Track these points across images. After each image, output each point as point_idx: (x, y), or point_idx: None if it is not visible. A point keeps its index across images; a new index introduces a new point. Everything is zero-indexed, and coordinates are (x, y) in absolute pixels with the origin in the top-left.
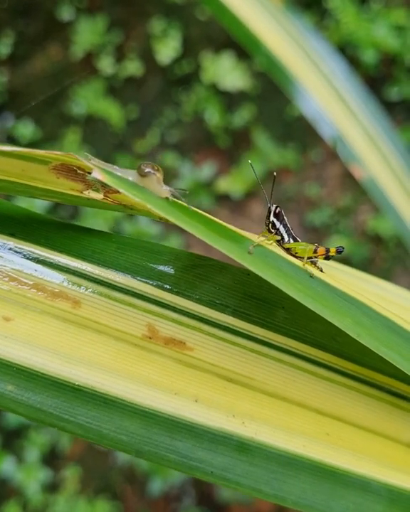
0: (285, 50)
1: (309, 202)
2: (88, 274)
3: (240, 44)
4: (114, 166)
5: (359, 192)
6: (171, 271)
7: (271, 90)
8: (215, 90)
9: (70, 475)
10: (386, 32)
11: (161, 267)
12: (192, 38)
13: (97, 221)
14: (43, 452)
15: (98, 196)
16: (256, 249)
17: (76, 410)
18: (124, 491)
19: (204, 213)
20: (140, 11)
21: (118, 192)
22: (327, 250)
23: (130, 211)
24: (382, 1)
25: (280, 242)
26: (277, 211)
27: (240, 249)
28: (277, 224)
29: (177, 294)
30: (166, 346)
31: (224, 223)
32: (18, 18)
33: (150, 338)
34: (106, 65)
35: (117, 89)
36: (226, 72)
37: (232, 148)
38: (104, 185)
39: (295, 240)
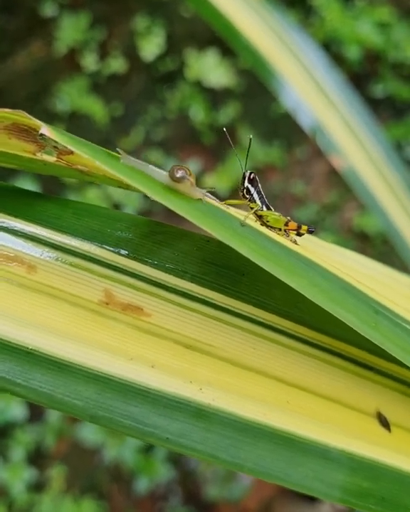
0: (266, 42)
1: (295, 199)
2: (44, 238)
3: (222, 37)
4: (148, 164)
5: (345, 189)
6: (130, 237)
7: (256, 88)
8: (200, 87)
9: (56, 474)
10: (370, 29)
11: (119, 233)
12: (176, 35)
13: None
14: (28, 451)
15: (51, 159)
16: (208, 209)
17: (29, 375)
18: (110, 490)
19: None
20: (123, 8)
21: (72, 153)
22: (299, 226)
23: (88, 178)
24: None
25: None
26: (251, 177)
27: (190, 207)
28: (252, 190)
29: (135, 259)
30: (123, 312)
31: None
32: (0, 14)
33: (107, 303)
34: (89, 62)
35: (101, 86)
36: (211, 69)
37: (217, 145)
38: (56, 146)
39: (269, 209)
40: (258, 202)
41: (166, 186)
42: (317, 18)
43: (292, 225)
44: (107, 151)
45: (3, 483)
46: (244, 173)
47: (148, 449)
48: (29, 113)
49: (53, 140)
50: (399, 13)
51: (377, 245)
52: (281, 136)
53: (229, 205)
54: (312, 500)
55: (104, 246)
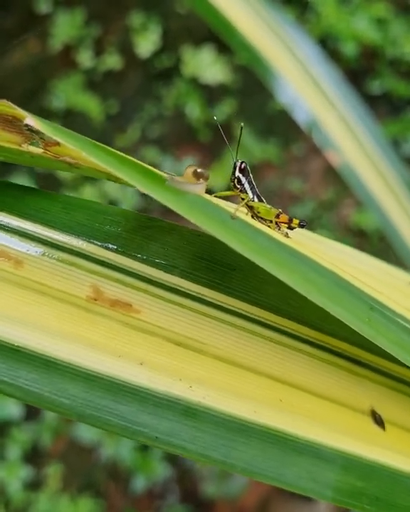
0: (262, 38)
1: (291, 196)
2: (31, 233)
3: (218, 34)
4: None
5: (342, 186)
6: (118, 231)
7: (252, 84)
8: (195, 84)
9: (53, 472)
10: (367, 25)
11: (107, 228)
12: (172, 32)
13: None
14: (24, 450)
15: (38, 150)
16: (196, 200)
17: (15, 372)
18: (107, 489)
19: (149, 167)
20: (119, 4)
21: (58, 144)
22: (290, 219)
23: (77, 170)
24: None
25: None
26: (242, 166)
27: (179, 199)
28: (243, 180)
29: (124, 254)
30: (111, 308)
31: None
32: None
33: (95, 299)
34: (85, 58)
35: (97, 83)
36: (207, 65)
37: (213, 142)
38: (42, 137)
39: (260, 200)
40: (249, 192)
41: (155, 180)
42: (313, 14)
43: (284, 217)
44: (94, 142)
45: (0, 482)
46: (235, 163)
47: (145, 447)
48: (24, 110)
49: (38, 131)
50: (396, 9)
51: (374, 242)
52: (277, 133)
53: (220, 196)
54: (309, 497)
55: (92, 241)
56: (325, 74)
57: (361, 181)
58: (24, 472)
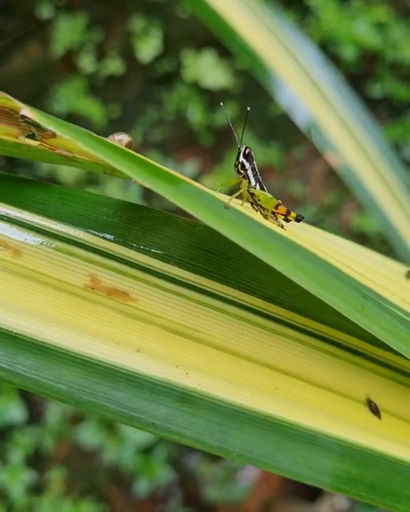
0: (262, 42)
1: (293, 200)
2: (30, 223)
3: (219, 38)
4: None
5: (343, 190)
6: (116, 221)
7: (254, 88)
8: (197, 88)
9: (55, 476)
10: (367, 29)
11: (105, 218)
12: (173, 36)
13: None
14: (27, 454)
15: (34, 143)
16: (191, 190)
17: (13, 358)
18: (110, 492)
19: (145, 158)
20: (120, 9)
21: (54, 136)
22: (288, 212)
23: (74, 164)
24: None
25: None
26: (246, 152)
27: (175, 190)
28: (247, 165)
29: (121, 243)
30: (109, 297)
31: (165, 168)
32: None
33: (92, 288)
34: (87, 63)
35: (99, 87)
36: (208, 70)
37: (215, 146)
38: (39, 128)
39: (262, 188)
40: (252, 179)
41: (150, 170)
42: (313, 19)
43: (282, 209)
44: (89, 132)
45: (2, 486)
46: (239, 148)
47: (148, 451)
48: None
49: (35, 123)
50: (396, 13)
51: (376, 246)
52: (279, 137)
53: (227, 185)
54: (311, 500)
55: (90, 230)
56: (325, 77)
57: (361, 183)
58: (27, 476)
